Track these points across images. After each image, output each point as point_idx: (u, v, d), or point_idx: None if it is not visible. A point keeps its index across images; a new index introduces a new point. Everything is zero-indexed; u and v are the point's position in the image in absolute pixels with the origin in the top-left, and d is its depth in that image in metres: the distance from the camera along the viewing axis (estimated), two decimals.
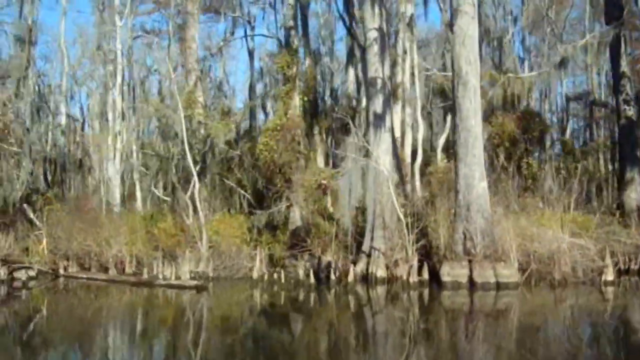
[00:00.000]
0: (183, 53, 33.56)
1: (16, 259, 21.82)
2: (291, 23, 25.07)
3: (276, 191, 24.20)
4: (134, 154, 28.72)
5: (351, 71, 31.84)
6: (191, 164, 22.85)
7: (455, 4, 19.47)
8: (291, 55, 24.29)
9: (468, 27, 19.45)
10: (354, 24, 23.27)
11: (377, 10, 20.94)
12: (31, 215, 23.90)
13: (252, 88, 38.30)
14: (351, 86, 31.84)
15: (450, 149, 25.90)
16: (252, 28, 39.61)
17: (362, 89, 30.56)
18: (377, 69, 20.98)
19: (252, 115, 34.74)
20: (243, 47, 62.55)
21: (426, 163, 28.66)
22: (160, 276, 21.33)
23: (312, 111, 28.36)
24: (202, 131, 25.55)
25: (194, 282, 19.91)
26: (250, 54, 38.80)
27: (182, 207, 24.67)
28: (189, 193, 24.55)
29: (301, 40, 29.90)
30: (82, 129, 34.57)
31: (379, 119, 20.89)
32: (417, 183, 27.08)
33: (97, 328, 15.43)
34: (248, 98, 39.26)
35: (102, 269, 22.92)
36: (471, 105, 19.58)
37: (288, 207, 23.95)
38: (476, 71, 19.67)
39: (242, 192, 27.59)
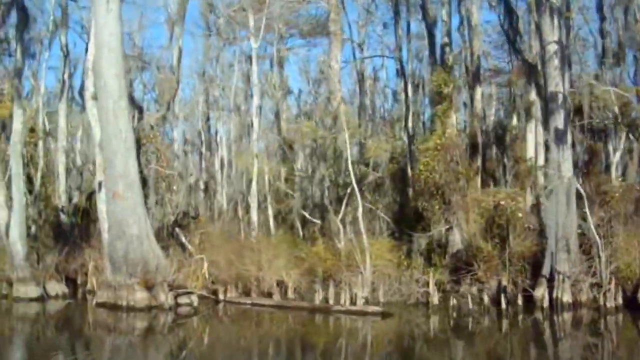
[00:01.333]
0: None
1: (180, 284, 21.25)
2: (446, 40, 24.34)
3: (433, 213, 23.28)
4: (266, 177, 28.21)
5: (478, 90, 30.96)
6: (355, 187, 22.09)
7: None
8: (447, 73, 23.53)
9: None
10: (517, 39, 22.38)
11: (555, 22, 20.07)
12: (183, 240, 23.45)
13: (362, 108, 37.88)
14: (478, 105, 30.93)
15: None
16: (362, 50, 39.51)
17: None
18: (557, 83, 20.04)
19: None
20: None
21: None
22: (330, 301, 20.55)
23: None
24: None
25: (377, 308, 19.04)
26: (361, 76, 38.59)
27: (333, 230, 24.01)
28: (340, 216, 23.91)
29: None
30: (201, 152, 34.41)
31: (561, 135, 19.90)
32: None
33: None
34: (357, 119, 38.95)
35: (261, 294, 22.23)
36: None
37: (447, 230, 23.00)
38: None
39: (381, 214, 26.80)
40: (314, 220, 25.11)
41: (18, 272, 22.69)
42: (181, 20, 23.60)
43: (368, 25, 39.57)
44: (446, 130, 22.93)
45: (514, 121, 26.64)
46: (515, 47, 23.04)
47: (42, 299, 22.84)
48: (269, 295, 21.95)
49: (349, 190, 24.04)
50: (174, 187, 24.72)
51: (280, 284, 22.40)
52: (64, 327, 19.84)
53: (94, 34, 20.66)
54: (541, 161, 25.58)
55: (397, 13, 34.96)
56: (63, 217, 30.68)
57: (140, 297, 20.15)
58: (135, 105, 24.75)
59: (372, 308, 19.14)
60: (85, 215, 28.10)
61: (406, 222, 25.69)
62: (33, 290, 22.70)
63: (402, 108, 32.92)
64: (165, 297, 20.46)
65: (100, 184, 22.14)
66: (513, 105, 32.36)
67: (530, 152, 28.06)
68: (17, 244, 22.80)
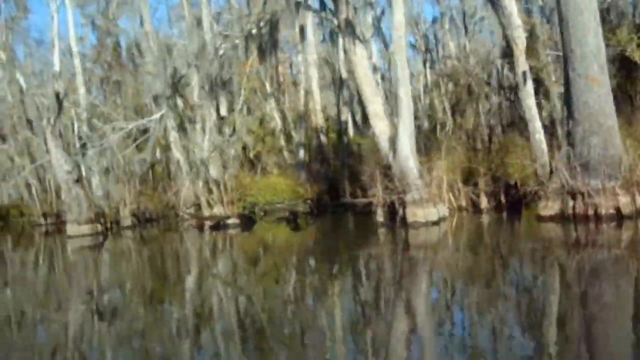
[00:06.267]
0: None
1: None
2: None
3: None
4: None
5: None
6: None
7: None
8: None
9: None
10: None
11: None
12: None
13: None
14: None
15: None
16: None
17: None
18: None
19: None
20: None
21: None
22: None
23: None
24: None
25: None
26: None
27: None
28: None
29: None
30: None
31: None
32: None
33: None
34: None
35: None
36: None
37: None
38: None
39: None
40: None
41: (413, 194, 18.62)
42: None
43: None
44: None
45: None
46: None
47: (440, 222, 18.99)
48: None
49: None
50: None
51: None
52: (548, 253, 15.97)
53: None
54: None
55: None
56: (323, 138, 26.52)
57: (624, 202, 16.48)
58: None
59: None
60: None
61: None
62: (432, 213, 18.79)
63: None
64: None
65: (524, 75, 17.97)
66: None
67: None
68: (410, 160, 18.66)
